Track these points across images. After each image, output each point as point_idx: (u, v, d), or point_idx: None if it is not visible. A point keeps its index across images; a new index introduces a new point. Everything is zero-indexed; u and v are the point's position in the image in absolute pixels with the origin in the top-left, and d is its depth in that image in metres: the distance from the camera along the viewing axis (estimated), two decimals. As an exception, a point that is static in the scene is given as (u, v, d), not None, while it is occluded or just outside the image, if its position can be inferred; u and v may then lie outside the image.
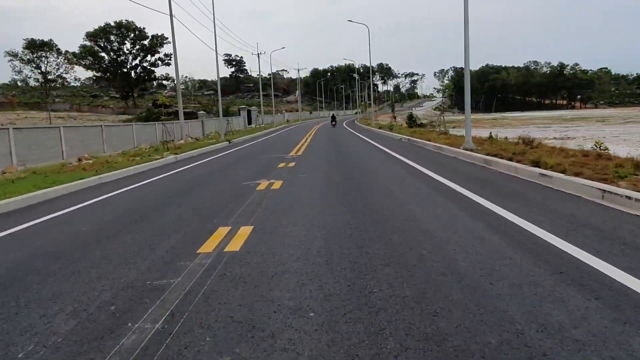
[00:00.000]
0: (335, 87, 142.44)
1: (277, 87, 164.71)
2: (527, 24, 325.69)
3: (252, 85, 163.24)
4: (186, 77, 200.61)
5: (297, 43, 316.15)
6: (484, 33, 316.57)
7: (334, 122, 45.36)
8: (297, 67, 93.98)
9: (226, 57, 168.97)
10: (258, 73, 59.84)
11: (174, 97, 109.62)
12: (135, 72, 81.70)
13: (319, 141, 23.53)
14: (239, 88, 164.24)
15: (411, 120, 51.10)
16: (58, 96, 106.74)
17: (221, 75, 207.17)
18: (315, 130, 37.92)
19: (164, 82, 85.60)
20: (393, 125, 31.41)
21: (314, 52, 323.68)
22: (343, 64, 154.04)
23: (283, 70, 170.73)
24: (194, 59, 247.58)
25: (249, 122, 59.24)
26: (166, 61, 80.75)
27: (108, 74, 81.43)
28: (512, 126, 54.84)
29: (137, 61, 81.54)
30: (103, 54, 79.48)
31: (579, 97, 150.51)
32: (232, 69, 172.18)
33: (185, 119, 49.66)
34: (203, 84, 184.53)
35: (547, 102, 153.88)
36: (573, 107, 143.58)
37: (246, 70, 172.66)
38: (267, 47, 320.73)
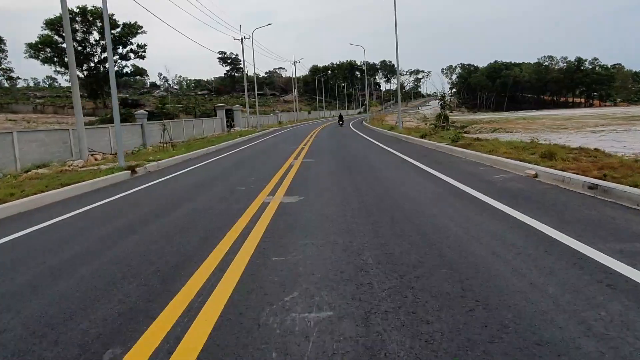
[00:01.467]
0: (337, 84, 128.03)
1: (275, 85, 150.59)
2: (527, 22, 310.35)
3: (249, 84, 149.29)
4: (179, 76, 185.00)
5: (299, 42, 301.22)
6: (487, 31, 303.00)
7: (341, 122, 46.12)
8: (294, 60, 79.70)
9: (221, 55, 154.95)
10: (242, 62, 45.67)
11: (163, 98, 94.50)
12: (104, 67, 67.46)
13: (319, 185, 8.81)
14: (234, 87, 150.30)
15: (445, 120, 36.98)
16: (43, 97, 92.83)
17: (216, 75, 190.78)
18: (312, 138, 24.03)
19: (138, 77, 70.86)
20: (459, 134, 16.19)
21: (316, 51, 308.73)
22: (344, 61, 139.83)
23: (281, 68, 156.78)
24: (191, 59, 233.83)
25: (230, 125, 45.07)
26: (140, 53, 66.53)
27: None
28: (566, 129, 40.60)
29: (106, 54, 67.36)
30: (65, 45, 65.33)
31: (594, 94, 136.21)
32: (228, 68, 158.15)
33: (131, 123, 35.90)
34: (197, 83, 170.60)
35: (560, 99, 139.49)
36: (592, 105, 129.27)
37: (242, 68, 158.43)
38: (268, 46, 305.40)
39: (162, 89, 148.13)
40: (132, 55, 66.45)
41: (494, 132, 40.80)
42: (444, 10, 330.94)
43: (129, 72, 68.50)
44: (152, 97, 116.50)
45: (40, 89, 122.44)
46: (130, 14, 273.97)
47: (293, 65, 76.94)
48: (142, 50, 66.32)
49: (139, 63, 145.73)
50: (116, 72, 68.47)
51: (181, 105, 63.93)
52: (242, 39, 46.33)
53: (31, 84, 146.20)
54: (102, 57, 67.40)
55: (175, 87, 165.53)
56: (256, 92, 45.68)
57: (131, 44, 66.51)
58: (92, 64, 66.82)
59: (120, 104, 65.22)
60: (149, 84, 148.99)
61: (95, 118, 60.36)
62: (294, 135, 29.73)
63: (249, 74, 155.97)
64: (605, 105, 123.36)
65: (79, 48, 65.67)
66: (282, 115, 65.09)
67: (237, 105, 47.53)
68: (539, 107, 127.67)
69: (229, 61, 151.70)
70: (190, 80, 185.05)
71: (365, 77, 49.30)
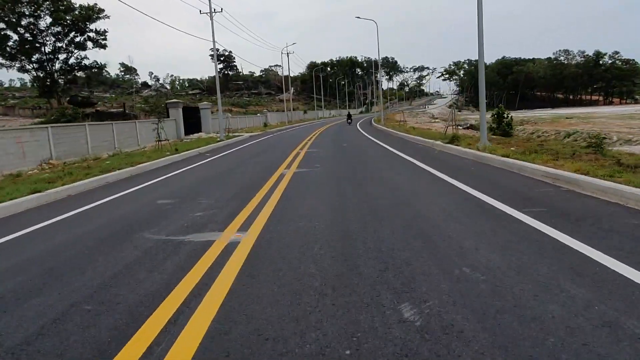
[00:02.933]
0: (337, 80, 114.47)
1: (271, 84, 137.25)
2: (529, 20, 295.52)
3: (242, 83, 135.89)
4: (172, 75, 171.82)
5: (299, 41, 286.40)
6: (492, 29, 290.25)
7: (349, 120, 43.53)
8: (287, 50, 66.03)
9: (214, 52, 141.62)
10: (213, 46, 32.23)
11: (148, 98, 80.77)
12: (58, 59, 54.02)
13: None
14: (227, 86, 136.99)
15: (503, 123, 23.76)
16: (22, 97, 79.93)
17: (210, 74, 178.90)
18: (295, 167, 10.59)
19: (95, 70, 57.16)
20: None
21: (316, 50, 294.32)
22: (345, 57, 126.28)
23: (277, 65, 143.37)
24: (191, 59, 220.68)
25: (196, 129, 31.81)
26: (98, 41, 52.97)
27: (20, 61, 53.80)
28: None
29: (61, 43, 53.91)
30: (9, 32, 51.92)
31: (611, 91, 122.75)
32: (221, 66, 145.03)
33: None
34: (190, 82, 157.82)
35: (577, 97, 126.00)
36: (611, 103, 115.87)
37: (236, 66, 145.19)
38: (270, 45, 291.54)
39: (152, 88, 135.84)
40: (90, 44, 52.94)
41: (568, 137, 27.51)
42: (449, 9, 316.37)
43: (87, 64, 54.88)
44: (138, 96, 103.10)
45: (22, 89, 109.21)
46: (128, 14, 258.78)
47: (286, 57, 63.62)
48: (101, 37, 52.82)
49: (101, 53, 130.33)
50: (74, 64, 55.25)
51: (148, 105, 50.39)
52: (211, 12, 32.93)
53: (18, 84, 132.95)
54: (56, 46, 53.93)
55: (167, 86, 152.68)
56: (218, 84, 32.16)
57: (90, 30, 53.05)
58: (43, 56, 53.37)
59: (69, 102, 51.84)
60: (140, 83, 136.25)
61: (38, 120, 47.22)
62: (270, 150, 16.54)
63: (256, 75, 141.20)
64: (626, 103, 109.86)
65: (26, 35, 52.32)
66: (272, 116, 51.70)
67: (205, 103, 34.11)
68: (554, 105, 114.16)
69: (222, 59, 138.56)
70: (183, 79, 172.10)
71: (379, 59, 35.31)
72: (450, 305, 2.75)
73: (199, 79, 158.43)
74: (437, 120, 51.17)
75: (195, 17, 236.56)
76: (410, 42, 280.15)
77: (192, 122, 31.71)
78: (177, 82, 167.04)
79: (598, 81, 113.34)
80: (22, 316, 2.99)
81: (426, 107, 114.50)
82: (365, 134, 24.40)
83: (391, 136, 21.51)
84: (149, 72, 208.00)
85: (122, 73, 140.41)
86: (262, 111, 55.62)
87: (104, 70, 61.76)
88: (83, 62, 55.36)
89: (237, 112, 77.65)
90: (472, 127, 43.03)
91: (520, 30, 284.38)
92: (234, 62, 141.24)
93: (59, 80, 55.54)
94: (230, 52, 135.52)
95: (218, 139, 22.33)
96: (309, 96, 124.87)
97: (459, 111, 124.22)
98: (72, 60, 55.37)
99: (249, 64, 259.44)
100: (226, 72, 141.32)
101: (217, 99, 30.47)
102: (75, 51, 54.39)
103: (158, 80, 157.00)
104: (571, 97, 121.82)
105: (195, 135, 29.19)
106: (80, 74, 56.43)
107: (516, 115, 69.69)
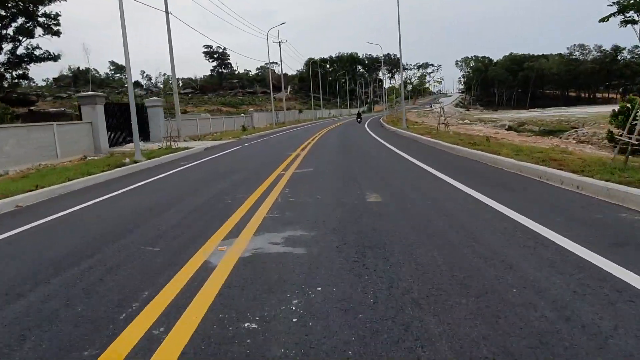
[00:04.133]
0: (337, 77, 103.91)
1: (267, 82, 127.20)
2: (526, 19, 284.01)
3: (236, 82, 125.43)
4: (164, 74, 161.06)
5: (298, 40, 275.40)
6: (497, 23, 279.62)
7: (359, 119, 42.25)
8: (278, 36, 55.55)
9: (207, 49, 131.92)
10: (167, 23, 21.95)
11: (139, 97, 69.74)
12: (2, 49, 43.66)
13: None
14: (221, 85, 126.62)
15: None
16: None
17: (204, 73, 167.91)
18: None
19: (48, 61, 46.62)
20: None
21: (316, 50, 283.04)
22: (345, 53, 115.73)
23: (273, 62, 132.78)
24: (190, 59, 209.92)
25: (142, 135, 21.53)
26: (50, 26, 42.51)
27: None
28: None
29: (6, 30, 43.59)
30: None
31: (629, 88, 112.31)
32: (215, 63, 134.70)
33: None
34: (185, 82, 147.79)
35: (591, 95, 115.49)
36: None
37: (230, 64, 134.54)
38: (264, 45, 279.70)
39: (144, 87, 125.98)
40: (40, 29, 42.56)
41: None
42: (452, 6, 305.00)
43: (38, 55, 44.47)
44: (126, 96, 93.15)
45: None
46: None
47: (278, 46, 53.18)
48: (53, 22, 42.40)
49: (54, 42, 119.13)
50: (24, 55, 44.90)
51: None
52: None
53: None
54: (0, 33, 43.56)
55: (160, 85, 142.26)
56: (174, 71, 21.58)
57: (39, 16, 42.72)
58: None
59: (2, 100, 41.56)
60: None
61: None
62: (173, 210, 6.43)
63: (252, 73, 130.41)
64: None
65: (-37, 21, 41.95)
66: (260, 117, 41.32)
67: (153, 99, 23.71)
68: (567, 103, 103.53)
69: (215, 56, 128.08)
70: (177, 78, 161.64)
71: (399, 35, 24.13)
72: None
73: (192, 78, 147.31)
74: (465, 122, 40.67)
75: (188, 10, 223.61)
76: (412, 41, 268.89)
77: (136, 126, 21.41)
78: (170, 81, 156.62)
79: (615, 78, 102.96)
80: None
81: (432, 106, 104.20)
82: (402, 153, 11.48)
83: (472, 163, 9.76)
84: (141, 70, 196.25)
85: (112, 72, 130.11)
86: (247, 111, 45.19)
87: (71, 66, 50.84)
88: (34, 52, 44.86)
89: (227, 112, 67.27)
90: (510, 129, 32.92)
91: (530, 25, 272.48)
92: (229, 59, 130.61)
93: (6, 74, 45.10)
94: (225, 49, 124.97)
95: (125, 160, 11.92)
96: (307, 94, 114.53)
97: (467, 110, 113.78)
98: (21, 51, 44.94)
99: (247, 59, 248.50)
100: (220, 70, 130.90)
101: (208, 97, 20.09)
102: (23, 39, 43.90)
103: (150, 79, 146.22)
104: (585, 95, 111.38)
105: (129, 147, 18.90)
106: (31, 66, 45.90)
107: (538, 115, 58.77)
